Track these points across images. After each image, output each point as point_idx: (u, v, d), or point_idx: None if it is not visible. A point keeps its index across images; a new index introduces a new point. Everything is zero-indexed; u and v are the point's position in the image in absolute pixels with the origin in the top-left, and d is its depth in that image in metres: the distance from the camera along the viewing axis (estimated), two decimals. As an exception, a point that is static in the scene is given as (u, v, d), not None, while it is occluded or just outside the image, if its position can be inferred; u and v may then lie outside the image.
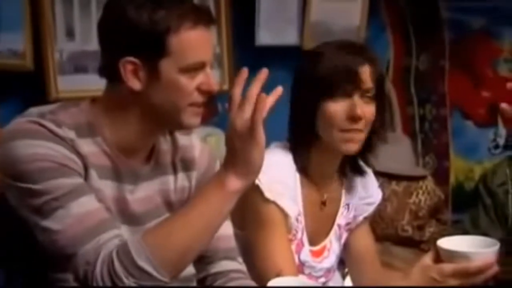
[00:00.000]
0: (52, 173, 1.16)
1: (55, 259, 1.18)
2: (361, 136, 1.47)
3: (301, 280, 1.29)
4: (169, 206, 1.35)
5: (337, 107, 1.45)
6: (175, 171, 1.35)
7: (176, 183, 1.35)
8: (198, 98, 1.23)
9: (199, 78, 1.22)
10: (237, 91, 1.16)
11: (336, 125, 1.46)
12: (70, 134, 1.21)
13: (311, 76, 1.49)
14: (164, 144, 1.34)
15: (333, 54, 1.48)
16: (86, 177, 1.22)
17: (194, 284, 1.98)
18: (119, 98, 1.24)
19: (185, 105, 1.22)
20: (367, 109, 1.46)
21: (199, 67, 1.22)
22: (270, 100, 1.17)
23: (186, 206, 1.18)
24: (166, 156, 1.34)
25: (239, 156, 1.14)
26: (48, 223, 1.15)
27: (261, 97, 1.15)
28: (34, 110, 1.24)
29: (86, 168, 1.22)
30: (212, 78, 1.24)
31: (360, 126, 1.45)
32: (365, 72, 1.45)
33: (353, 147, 1.47)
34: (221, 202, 1.16)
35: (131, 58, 1.19)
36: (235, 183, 1.16)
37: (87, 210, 1.16)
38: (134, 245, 1.13)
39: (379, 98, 1.49)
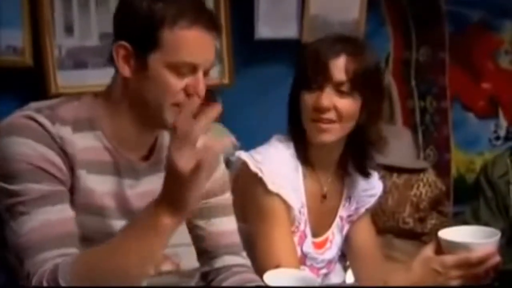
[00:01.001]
0: (27, 176, 1.16)
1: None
2: (334, 127, 1.47)
3: (298, 272, 1.29)
4: None
5: (308, 98, 1.47)
6: None
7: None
8: (182, 99, 1.20)
9: (188, 80, 1.20)
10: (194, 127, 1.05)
11: (307, 115, 1.48)
12: (63, 131, 1.20)
13: (296, 69, 1.52)
14: (166, 140, 1.33)
15: (312, 47, 1.50)
16: (73, 177, 1.21)
17: (196, 278, 1.99)
18: (116, 89, 1.25)
19: (168, 103, 1.20)
20: (340, 102, 1.46)
21: (189, 68, 1.19)
22: (218, 147, 1.09)
23: (118, 237, 1.13)
24: (166, 152, 1.34)
25: (176, 195, 1.06)
26: (13, 224, 1.16)
27: (209, 142, 1.07)
28: (33, 104, 1.24)
29: (72, 169, 1.21)
30: (201, 83, 1.20)
31: (329, 116, 1.46)
32: (338, 65, 1.45)
33: (324, 137, 1.48)
34: (152, 238, 1.10)
35: (124, 43, 1.19)
36: (168, 221, 1.08)
37: (48, 221, 1.15)
38: (63, 268, 1.11)
39: (367, 92, 1.48)
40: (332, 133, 1.47)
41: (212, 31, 1.21)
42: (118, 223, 1.25)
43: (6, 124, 1.20)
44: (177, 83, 1.19)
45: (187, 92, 1.20)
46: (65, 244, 1.16)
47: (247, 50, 2.46)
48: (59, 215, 1.17)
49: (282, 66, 2.43)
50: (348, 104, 1.46)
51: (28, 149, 1.17)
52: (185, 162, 1.03)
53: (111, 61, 1.24)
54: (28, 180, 1.16)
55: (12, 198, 1.16)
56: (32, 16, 2.15)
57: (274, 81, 2.46)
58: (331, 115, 1.46)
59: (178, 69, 1.19)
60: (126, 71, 1.21)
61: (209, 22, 1.21)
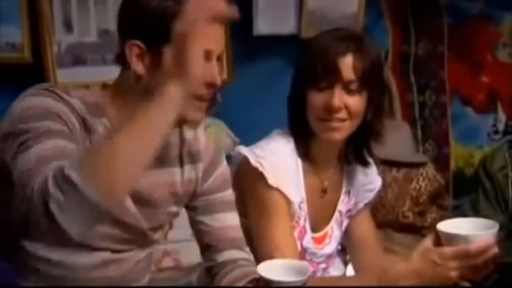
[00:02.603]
0: (41, 116, 1.16)
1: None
2: (345, 125, 1.47)
3: (291, 262, 1.29)
4: (175, 198, 1.36)
5: (317, 98, 1.47)
6: (181, 164, 1.36)
7: (183, 175, 1.36)
8: (201, 90, 1.21)
9: (204, 68, 1.17)
10: None
11: (316, 114, 1.48)
12: (79, 106, 1.22)
13: (298, 66, 1.52)
14: (172, 137, 1.34)
15: (318, 45, 1.49)
16: (89, 141, 1.21)
17: (196, 274, 2.00)
18: (126, 84, 1.25)
19: (189, 96, 1.18)
20: (350, 100, 1.46)
21: (205, 56, 1.18)
22: None
23: (129, 122, 1.09)
24: (173, 148, 1.35)
25: (179, 62, 1.07)
26: (21, 156, 1.12)
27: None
28: (44, 85, 1.26)
29: (87, 133, 1.21)
30: (216, 70, 1.22)
31: (341, 115, 1.46)
32: (347, 63, 1.45)
33: (335, 135, 1.48)
34: (158, 110, 1.08)
35: (137, 42, 1.20)
36: (176, 92, 1.08)
37: (57, 146, 1.12)
38: (71, 163, 1.04)
39: (372, 88, 1.48)
40: (343, 131, 1.48)
41: (221, 22, 1.21)
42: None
43: (20, 97, 1.22)
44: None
45: (204, 82, 1.20)
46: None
47: (246, 46, 2.47)
48: (70, 147, 1.14)
49: (281, 61, 2.44)
50: (357, 102, 1.47)
51: (48, 102, 1.19)
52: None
53: (118, 59, 1.24)
54: (42, 119, 1.16)
55: (22, 136, 1.14)
56: (31, 12, 2.15)
57: (273, 77, 2.46)
58: (343, 114, 1.46)
59: None
60: (140, 68, 1.21)
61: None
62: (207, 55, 1.19)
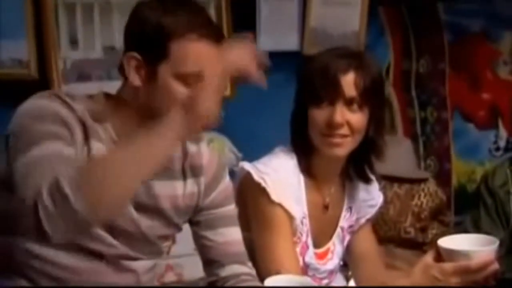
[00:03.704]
0: (44, 118, 1.19)
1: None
2: (347, 141, 1.49)
3: (297, 278, 1.30)
4: (177, 211, 1.37)
5: (319, 114, 1.49)
6: (184, 177, 1.38)
7: (185, 189, 1.37)
8: (202, 123, 1.22)
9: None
10: None
11: (318, 130, 1.50)
12: (83, 111, 1.24)
13: (301, 83, 1.54)
14: (175, 150, 1.35)
15: (320, 62, 1.51)
16: (88, 147, 1.24)
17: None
18: (127, 94, 1.28)
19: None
20: (352, 117, 1.48)
21: (196, 78, 1.22)
22: None
23: (128, 143, 1.15)
24: (176, 162, 1.37)
25: (191, 104, 1.15)
26: (21, 156, 1.15)
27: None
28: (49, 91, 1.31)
29: (88, 139, 1.24)
30: (219, 109, 1.23)
31: (343, 131, 1.48)
32: (348, 80, 1.47)
33: (338, 151, 1.50)
34: (164, 144, 1.15)
35: (135, 54, 1.23)
36: (178, 125, 1.15)
37: (57, 152, 1.15)
38: (67, 177, 1.08)
39: (373, 104, 1.50)
40: (345, 147, 1.50)
41: (220, 44, 1.25)
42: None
43: (29, 98, 1.25)
44: (183, 93, 1.22)
45: (208, 117, 1.22)
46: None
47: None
48: (67, 151, 1.18)
49: (283, 77, 2.45)
50: (359, 118, 1.48)
51: (53, 106, 1.22)
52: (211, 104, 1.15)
53: (120, 70, 1.28)
54: (43, 121, 1.19)
55: (24, 136, 1.18)
56: (37, 29, 2.17)
57: (275, 92, 2.47)
58: (344, 130, 1.48)
59: (186, 79, 1.22)
60: (136, 80, 1.25)
61: (217, 36, 1.25)
62: (200, 78, 1.21)
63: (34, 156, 1.14)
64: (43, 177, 1.09)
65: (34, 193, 1.08)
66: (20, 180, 1.13)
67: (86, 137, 1.24)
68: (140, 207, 1.31)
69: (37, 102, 1.23)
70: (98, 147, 1.25)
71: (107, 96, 1.32)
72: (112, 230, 1.28)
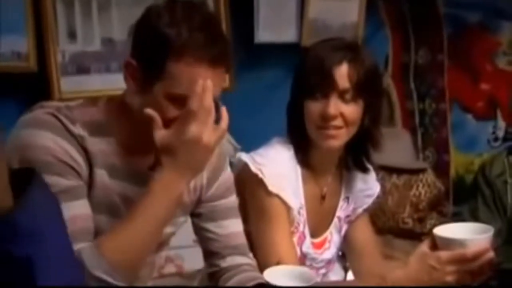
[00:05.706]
0: (51, 168, 1.19)
1: None
2: (341, 132, 1.50)
3: (297, 268, 1.31)
4: (184, 207, 1.37)
5: (313, 106, 1.49)
6: None
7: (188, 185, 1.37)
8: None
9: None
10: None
11: (313, 122, 1.50)
12: (82, 132, 1.24)
13: (296, 75, 1.55)
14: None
15: (314, 55, 1.52)
16: (91, 175, 1.24)
17: (198, 280, 2.01)
18: (128, 99, 1.27)
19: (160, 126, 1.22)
20: (346, 109, 1.48)
21: (187, 100, 1.19)
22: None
23: (133, 211, 1.21)
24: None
25: (192, 163, 1.21)
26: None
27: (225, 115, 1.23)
28: (52, 103, 1.28)
29: (91, 167, 1.24)
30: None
31: (337, 123, 1.48)
32: (342, 72, 1.48)
33: (332, 143, 1.51)
34: (166, 204, 1.21)
35: (133, 62, 1.22)
36: (178, 185, 1.21)
37: (73, 216, 1.18)
38: (88, 256, 1.17)
39: (368, 96, 1.51)
40: (339, 139, 1.51)
41: (219, 67, 1.21)
42: None
43: (28, 117, 1.24)
44: (172, 111, 1.21)
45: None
46: (86, 239, 1.20)
47: (248, 54, 2.49)
48: (82, 210, 1.22)
49: (282, 69, 2.46)
50: (353, 110, 1.49)
51: (50, 142, 1.21)
52: (209, 135, 1.19)
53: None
54: (53, 172, 1.19)
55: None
56: (36, 22, 2.18)
57: (274, 84, 2.48)
58: (338, 122, 1.48)
59: (177, 99, 1.20)
60: (131, 86, 1.24)
61: (217, 58, 1.20)
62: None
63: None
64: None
65: None
66: None
67: (90, 166, 1.24)
68: None
69: (36, 135, 1.20)
70: (101, 174, 1.25)
71: (111, 102, 1.31)
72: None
